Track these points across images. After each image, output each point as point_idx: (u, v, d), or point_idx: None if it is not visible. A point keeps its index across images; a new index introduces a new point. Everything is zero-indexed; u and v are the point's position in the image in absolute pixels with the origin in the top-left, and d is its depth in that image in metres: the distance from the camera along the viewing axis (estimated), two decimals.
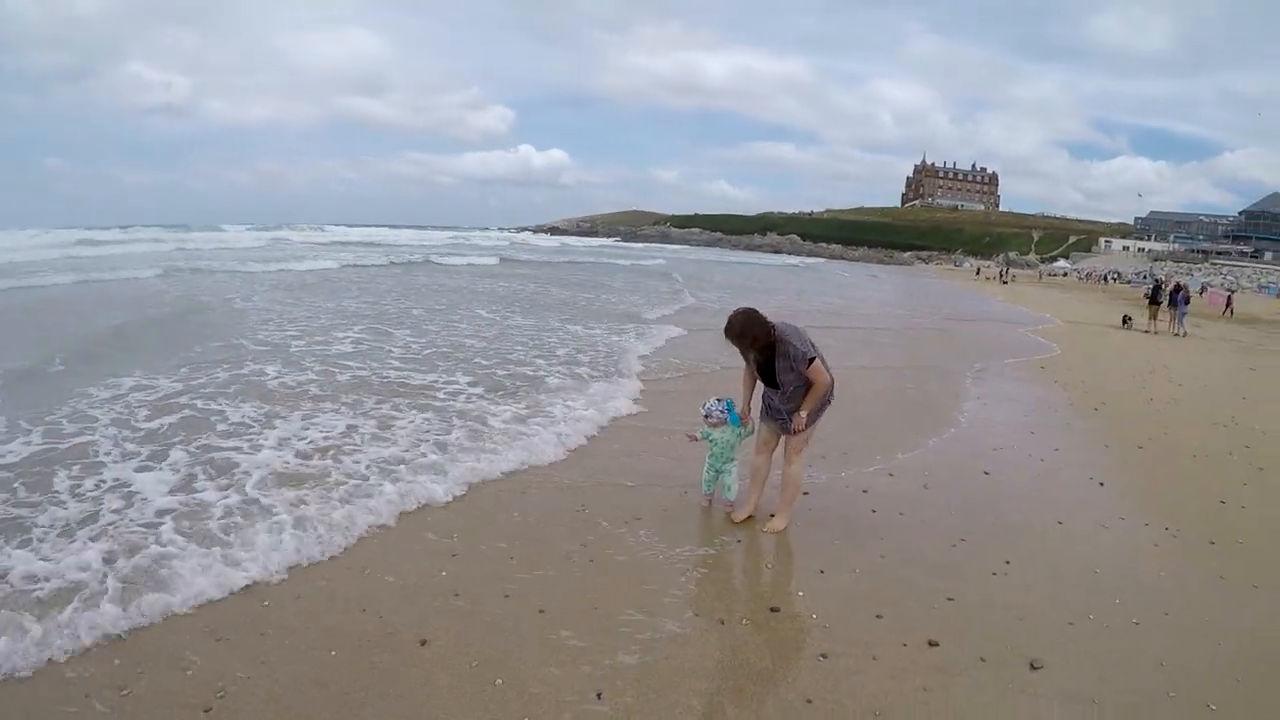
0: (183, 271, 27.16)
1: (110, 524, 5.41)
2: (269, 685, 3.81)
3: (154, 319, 15.63)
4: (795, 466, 6.08)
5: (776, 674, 4.17)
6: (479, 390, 10.07)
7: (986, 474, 8.03)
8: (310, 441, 7.49)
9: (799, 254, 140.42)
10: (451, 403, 9.33)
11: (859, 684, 4.07)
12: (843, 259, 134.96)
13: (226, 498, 5.97)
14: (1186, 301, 27.43)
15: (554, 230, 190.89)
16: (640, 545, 5.68)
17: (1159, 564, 5.98)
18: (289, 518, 5.57)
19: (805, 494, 6.62)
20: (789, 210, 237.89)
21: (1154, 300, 27.79)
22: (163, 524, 5.43)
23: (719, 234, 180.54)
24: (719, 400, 6.42)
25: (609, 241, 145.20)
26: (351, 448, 7.35)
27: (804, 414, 5.88)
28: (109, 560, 4.86)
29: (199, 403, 8.66)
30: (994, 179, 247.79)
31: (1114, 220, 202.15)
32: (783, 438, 6.14)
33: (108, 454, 6.87)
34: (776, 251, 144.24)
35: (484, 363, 12.10)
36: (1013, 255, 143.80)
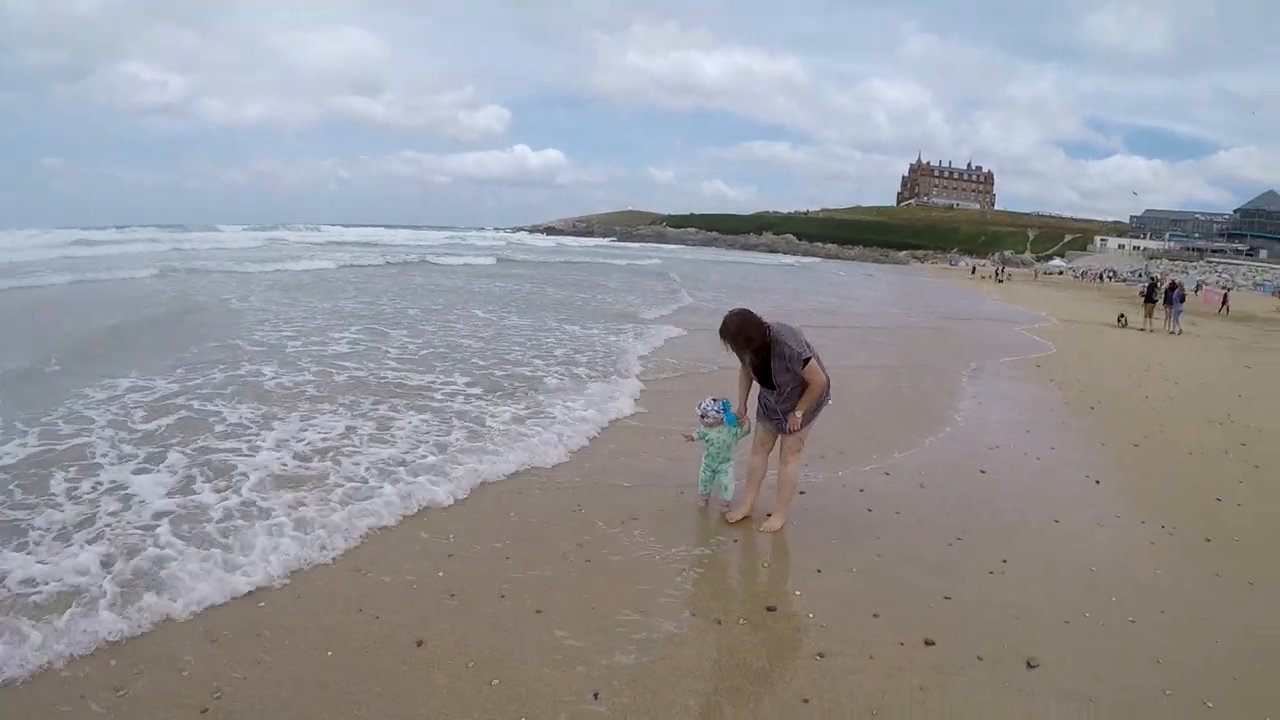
0: (179, 272, 27.18)
1: (108, 527, 5.39)
2: (266, 686, 3.81)
3: (150, 319, 15.63)
4: (791, 466, 6.09)
5: (773, 673, 4.17)
6: (477, 391, 10.06)
7: (983, 473, 8.04)
8: (308, 443, 7.47)
9: (794, 253, 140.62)
10: (449, 403, 9.32)
11: (856, 683, 4.08)
12: (838, 258, 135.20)
13: (225, 500, 5.95)
14: (1182, 299, 27.52)
15: (550, 230, 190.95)
16: (637, 545, 5.68)
17: (1155, 562, 5.99)
18: (288, 520, 5.56)
19: (802, 493, 6.62)
20: (785, 210, 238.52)
21: (1149, 298, 27.86)
22: (161, 527, 5.40)
23: (715, 234, 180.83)
24: (715, 400, 6.42)
25: (605, 241, 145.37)
26: (350, 449, 7.34)
27: (799, 414, 5.88)
28: (107, 564, 4.84)
29: (196, 404, 8.65)
30: (989, 178, 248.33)
31: (1109, 219, 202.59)
32: (779, 438, 6.15)
33: (104, 455, 6.85)
34: (772, 251, 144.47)
35: (481, 363, 12.10)
36: (1008, 254, 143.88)
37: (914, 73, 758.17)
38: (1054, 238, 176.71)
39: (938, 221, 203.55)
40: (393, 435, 7.86)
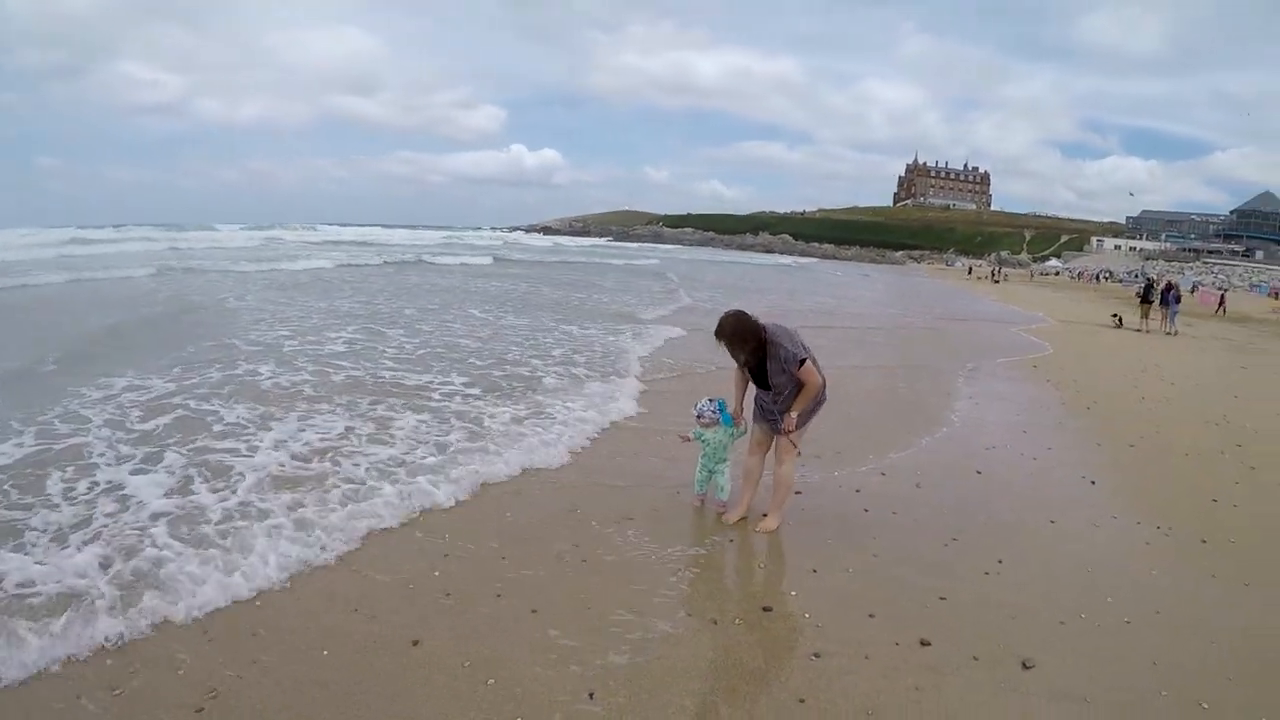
0: (175, 271, 27.17)
1: (105, 528, 5.34)
2: (262, 686, 3.80)
3: (147, 318, 15.62)
4: (786, 467, 6.08)
5: (769, 673, 4.17)
6: (476, 391, 10.05)
7: (979, 473, 8.04)
8: (306, 443, 7.45)
9: (791, 254, 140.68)
10: (447, 404, 9.31)
11: (852, 683, 4.08)
12: (835, 258, 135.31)
13: (223, 501, 5.92)
14: (1178, 300, 27.56)
15: (546, 230, 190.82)
16: (633, 545, 5.68)
17: (1151, 562, 6.00)
18: (285, 521, 5.54)
19: (798, 493, 6.62)
20: (781, 210, 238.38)
21: (1146, 299, 27.92)
22: (159, 528, 5.37)
23: (711, 234, 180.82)
24: (711, 401, 6.42)
25: (601, 241, 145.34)
26: (349, 450, 7.31)
27: (794, 414, 5.88)
28: (104, 566, 4.80)
29: (192, 403, 8.63)
30: (986, 178, 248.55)
31: (1106, 219, 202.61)
32: (775, 439, 6.15)
33: (101, 456, 6.82)
34: (769, 251, 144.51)
35: (479, 363, 12.10)
36: (1005, 254, 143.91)
37: (911, 73, 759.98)
38: (1050, 238, 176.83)
39: (934, 222, 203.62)
40: (390, 436, 7.83)
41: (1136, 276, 71.77)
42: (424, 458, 7.19)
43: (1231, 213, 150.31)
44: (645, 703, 3.81)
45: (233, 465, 6.71)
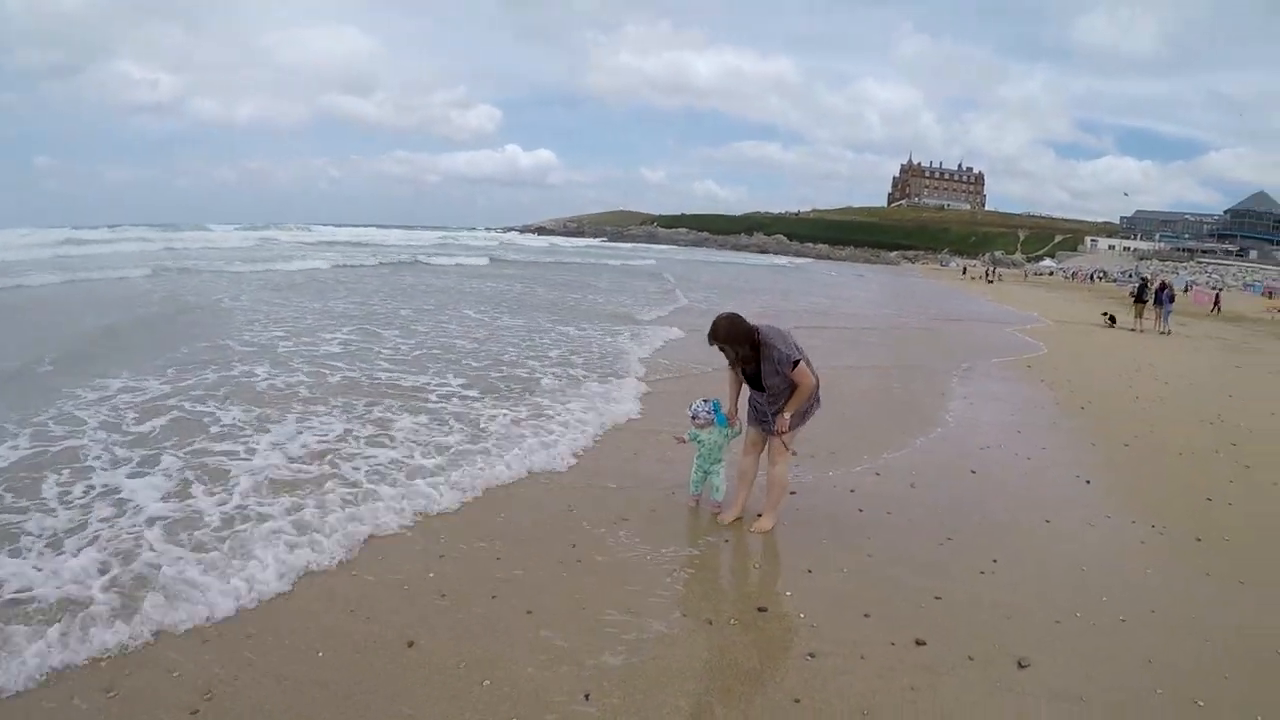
0: (170, 271, 27.09)
1: (102, 533, 5.31)
2: (256, 687, 3.80)
3: (142, 319, 15.58)
4: (780, 468, 6.08)
5: (764, 674, 4.18)
6: (474, 393, 10.03)
7: (973, 473, 8.05)
8: (304, 445, 7.43)
9: (785, 254, 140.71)
10: (445, 405, 9.30)
11: (847, 683, 4.08)
12: (829, 259, 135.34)
13: (220, 504, 5.89)
14: (1171, 300, 27.59)
15: (541, 230, 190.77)
16: (628, 546, 5.68)
17: (1146, 561, 6.01)
18: (282, 524, 5.52)
19: (793, 494, 6.63)
20: (776, 210, 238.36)
21: (1140, 299, 27.96)
22: (156, 532, 5.34)
23: (705, 234, 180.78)
24: (706, 401, 6.42)
25: (596, 242, 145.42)
26: (346, 452, 7.29)
27: (787, 415, 5.89)
28: (102, 572, 4.76)
29: (188, 405, 8.62)
30: (980, 178, 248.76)
31: (1100, 219, 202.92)
32: (769, 439, 6.15)
33: (97, 459, 6.79)
34: (763, 251, 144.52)
35: (475, 364, 12.09)
36: (999, 254, 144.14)
37: (905, 73, 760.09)
38: (1044, 238, 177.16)
39: (928, 222, 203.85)
40: (388, 438, 7.81)
41: (1131, 276, 71.99)
42: (422, 460, 7.17)
43: (1225, 213, 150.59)
44: (640, 703, 3.81)
45: (230, 468, 6.68)
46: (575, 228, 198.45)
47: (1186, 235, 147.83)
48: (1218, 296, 45.17)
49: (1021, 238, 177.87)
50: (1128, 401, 12.72)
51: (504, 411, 9.02)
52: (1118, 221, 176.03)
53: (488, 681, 3.92)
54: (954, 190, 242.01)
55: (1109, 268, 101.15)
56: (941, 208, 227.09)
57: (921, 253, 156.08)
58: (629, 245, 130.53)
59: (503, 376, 11.24)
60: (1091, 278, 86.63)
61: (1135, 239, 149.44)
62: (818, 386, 5.98)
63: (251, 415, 8.32)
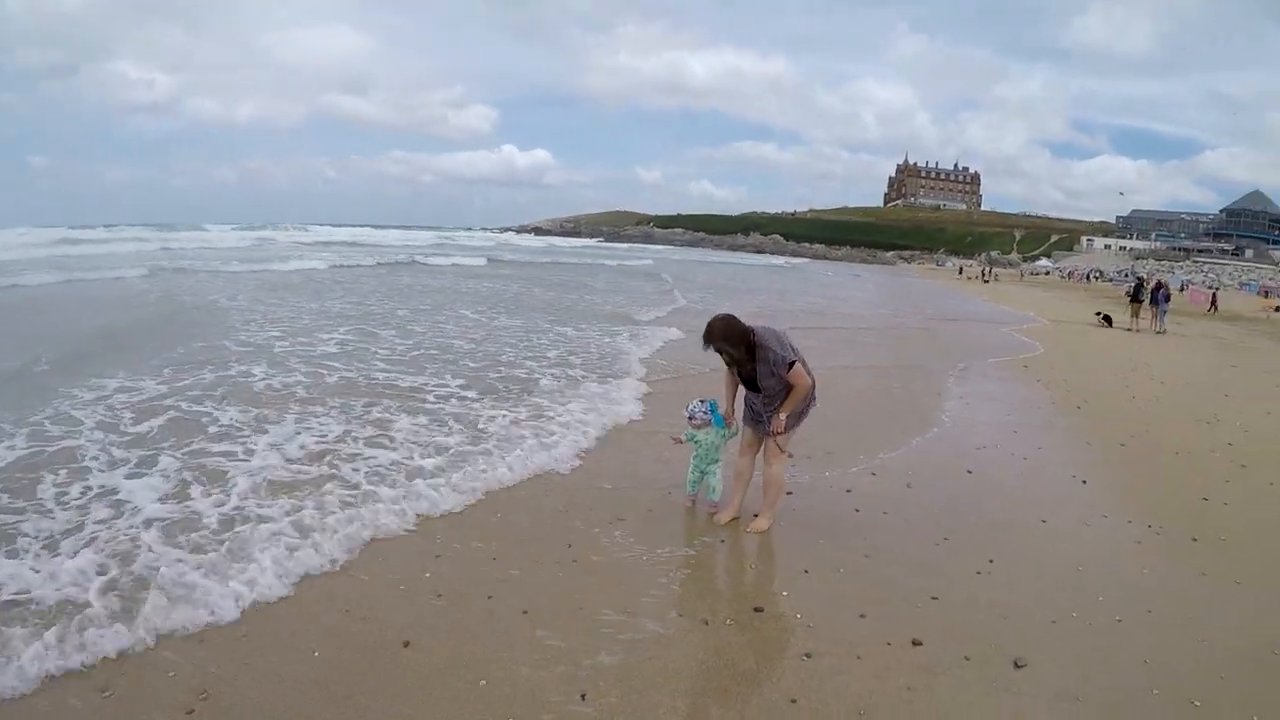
0: (167, 271, 27.07)
1: (100, 535, 5.27)
2: (252, 687, 3.79)
3: (139, 319, 15.57)
4: (776, 468, 6.09)
5: (760, 674, 4.18)
6: (472, 394, 10.01)
7: (970, 473, 8.06)
8: (302, 446, 7.41)
9: (782, 254, 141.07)
10: (443, 406, 9.28)
11: (843, 683, 4.09)
12: (825, 259, 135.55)
13: (218, 506, 5.85)
14: (1167, 299, 27.68)
15: (537, 230, 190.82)
16: (624, 546, 5.68)
17: (1142, 561, 6.02)
18: (280, 526, 5.50)
19: (789, 494, 6.63)
20: (772, 210, 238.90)
21: (1136, 298, 28.00)
22: (153, 534, 5.30)
23: (702, 234, 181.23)
24: (702, 402, 6.43)
25: (592, 242, 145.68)
26: (343, 453, 7.27)
27: (783, 416, 5.89)
28: (99, 574, 4.73)
29: (185, 405, 8.60)
30: (976, 178, 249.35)
31: (1096, 219, 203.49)
32: (765, 440, 6.15)
33: (94, 459, 6.76)
34: (759, 251, 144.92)
35: (473, 364, 12.08)
36: (995, 254, 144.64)
37: (903, 73, 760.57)
38: (1040, 238, 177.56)
39: (924, 222, 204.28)
40: (387, 439, 7.79)
41: (1127, 276, 72.12)
42: (420, 461, 7.16)
43: (1221, 212, 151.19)
44: (636, 703, 3.81)
45: (228, 470, 6.66)
46: (572, 228, 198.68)
47: (1182, 235, 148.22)
48: (1215, 296, 45.25)
49: (1018, 237, 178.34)
50: (1124, 401, 12.73)
51: (503, 412, 9.01)
52: (1113, 221, 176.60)
53: (484, 681, 3.92)
54: (950, 190, 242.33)
55: (1105, 267, 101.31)
56: (937, 208, 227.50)
57: (917, 253, 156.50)
58: (625, 245, 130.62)
59: (501, 377, 11.24)
60: (1088, 277, 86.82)
61: (1131, 238, 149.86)
62: (813, 388, 5.99)
63: (249, 416, 8.30)
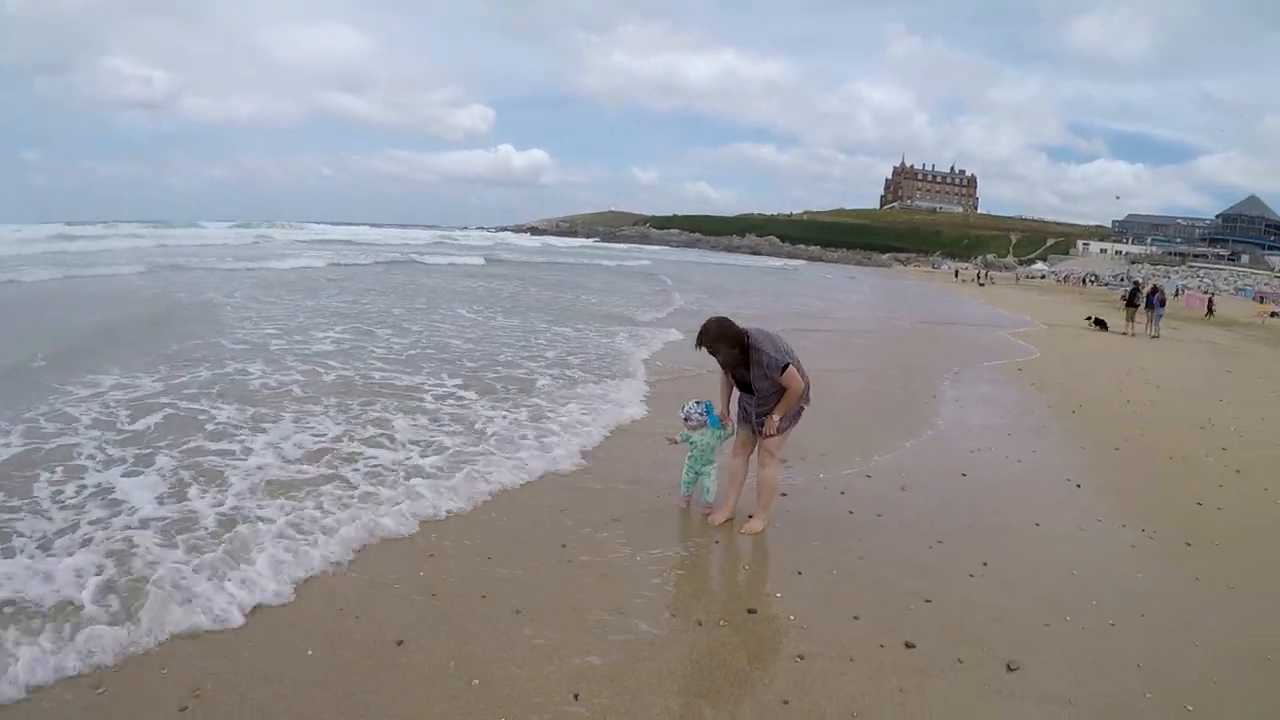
0: (163, 268, 27.01)
1: (95, 535, 5.24)
2: (247, 686, 3.79)
3: (135, 316, 15.53)
4: (770, 469, 6.10)
5: (754, 675, 4.18)
6: (471, 394, 9.99)
7: (964, 476, 8.07)
8: (299, 445, 7.40)
9: (778, 255, 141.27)
10: (440, 406, 9.28)
11: (836, 685, 4.09)
12: (821, 260, 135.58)
13: (215, 505, 5.83)
14: (1162, 304, 27.70)
15: (534, 230, 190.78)
16: (618, 547, 5.68)
17: (1136, 565, 6.03)
18: (276, 525, 5.48)
19: (783, 495, 6.64)
20: (768, 211, 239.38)
21: (1131, 302, 28.03)
22: (150, 534, 5.27)
23: (698, 235, 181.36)
24: (698, 403, 6.43)
25: (589, 242, 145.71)
26: (340, 452, 7.27)
27: (776, 417, 5.91)
28: (97, 574, 4.69)
29: (182, 403, 8.58)
30: (972, 181, 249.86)
31: (1092, 223, 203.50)
32: (759, 441, 6.16)
33: (90, 457, 6.74)
34: (755, 253, 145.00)
35: (470, 364, 12.08)
36: (991, 257, 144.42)
37: (899, 75, 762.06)
38: (1036, 242, 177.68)
39: (920, 224, 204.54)
40: (386, 439, 7.78)
41: (1122, 280, 72.23)
42: (418, 461, 7.16)
43: (1217, 217, 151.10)
44: (629, 704, 3.82)
45: (224, 469, 6.63)
46: (568, 228, 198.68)
47: (1178, 239, 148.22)
48: (1211, 300, 45.34)
49: (1014, 241, 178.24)
50: (1118, 405, 12.75)
51: (502, 413, 9.01)
52: (1109, 225, 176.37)
53: (477, 681, 3.92)
54: (946, 193, 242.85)
55: (1101, 271, 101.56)
56: (934, 210, 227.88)
57: (913, 255, 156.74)
58: (622, 246, 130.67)
59: (499, 377, 11.23)
60: (1083, 281, 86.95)
61: (1127, 243, 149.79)
62: (807, 389, 6.00)
63: (246, 415, 8.28)
